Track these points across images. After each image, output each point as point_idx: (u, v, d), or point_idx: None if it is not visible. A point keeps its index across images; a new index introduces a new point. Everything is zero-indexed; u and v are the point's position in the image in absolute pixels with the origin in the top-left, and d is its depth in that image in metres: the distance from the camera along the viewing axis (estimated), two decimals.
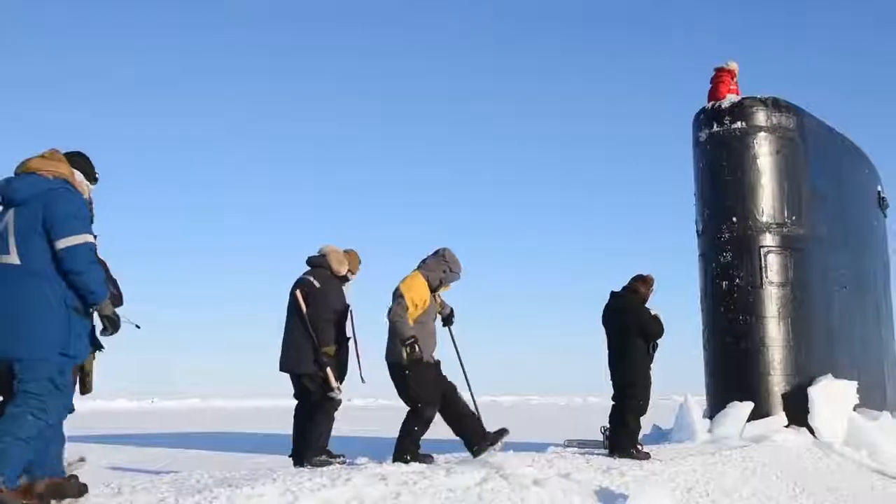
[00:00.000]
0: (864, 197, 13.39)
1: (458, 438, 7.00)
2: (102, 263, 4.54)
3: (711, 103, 11.39)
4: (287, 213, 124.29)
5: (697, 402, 10.42)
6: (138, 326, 4.67)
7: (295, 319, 7.14)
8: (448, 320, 7.37)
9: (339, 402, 7.06)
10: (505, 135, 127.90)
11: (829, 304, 11.40)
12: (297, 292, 7.15)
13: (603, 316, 8.28)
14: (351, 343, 7.26)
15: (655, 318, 8.04)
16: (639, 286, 8.23)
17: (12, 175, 4.46)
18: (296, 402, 7.28)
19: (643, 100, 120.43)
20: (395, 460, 6.60)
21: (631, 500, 5.63)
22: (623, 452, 7.70)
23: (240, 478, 5.44)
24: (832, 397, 10.25)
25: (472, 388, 7.49)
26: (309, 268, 7.40)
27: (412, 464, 6.33)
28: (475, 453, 6.81)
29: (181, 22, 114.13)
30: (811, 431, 10.01)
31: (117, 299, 4.61)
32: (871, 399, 11.14)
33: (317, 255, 7.40)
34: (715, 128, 11.17)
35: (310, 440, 6.93)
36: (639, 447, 7.88)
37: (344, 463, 6.85)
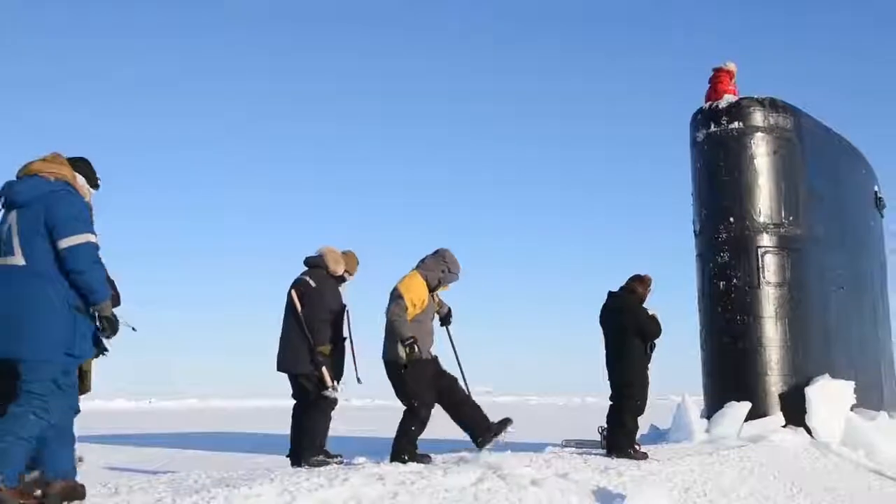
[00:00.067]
0: (861, 197, 13.40)
1: (456, 438, 7.02)
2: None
3: (709, 103, 11.40)
4: (287, 213, 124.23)
5: (695, 402, 10.41)
6: (134, 329, 4.68)
7: (291, 320, 7.16)
8: (446, 320, 7.39)
9: (335, 401, 7.07)
10: (505, 135, 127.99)
11: (827, 304, 11.42)
12: (293, 292, 7.17)
13: (600, 316, 8.29)
14: (347, 343, 7.27)
15: (653, 318, 8.05)
16: (636, 286, 8.24)
17: (14, 178, 4.50)
18: (294, 402, 7.29)
19: (643, 100, 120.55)
20: (392, 460, 6.62)
21: (629, 499, 5.64)
22: (621, 452, 7.71)
23: (237, 478, 5.45)
24: (829, 397, 10.25)
25: (469, 388, 7.48)
26: (306, 268, 7.42)
27: (410, 464, 6.34)
28: (479, 444, 6.84)
29: (181, 22, 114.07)
30: (808, 431, 10.02)
31: (115, 300, 4.63)
32: (868, 399, 11.16)
33: (314, 255, 7.42)
34: (712, 128, 11.18)
35: (306, 440, 6.94)
36: (636, 447, 7.88)
37: (341, 463, 6.86)
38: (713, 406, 10.47)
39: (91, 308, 4.36)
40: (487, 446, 6.77)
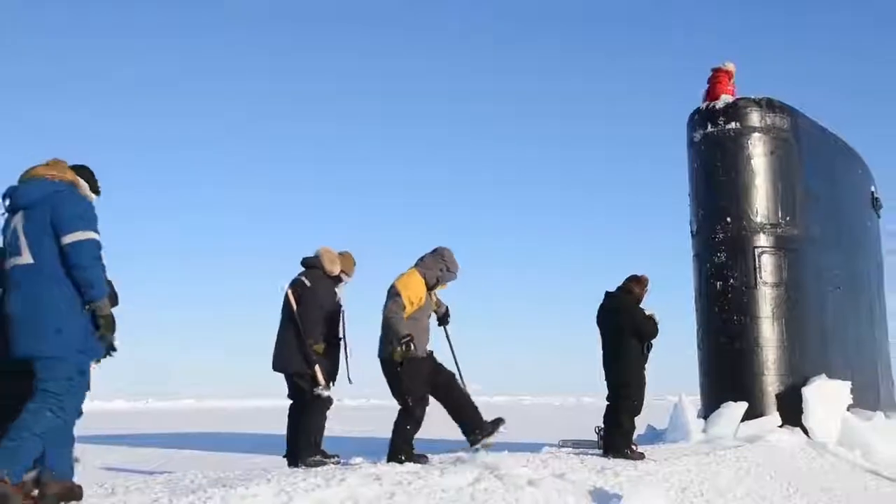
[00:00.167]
0: (857, 197, 13.43)
1: (453, 438, 7.01)
2: None
3: (706, 104, 11.41)
4: (287, 213, 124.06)
5: (692, 402, 10.43)
6: (115, 349, 4.62)
7: (287, 320, 7.17)
8: (444, 320, 7.38)
9: (330, 400, 7.07)
10: (505, 135, 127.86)
11: (823, 304, 11.44)
12: (290, 292, 7.18)
13: (597, 316, 8.29)
14: (341, 344, 7.27)
15: (650, 319, 8.05)
16: (633, 286, 8.24)
17: (16, 183, 4.53)
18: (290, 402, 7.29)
19: (643, 100, 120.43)
20: (389, 460, 6.61)
21: (625, 500, 5.64)
22: (617, 452, 7.71)
23: (234, 478, 5.45)
24: (826, 397, 10.26)
25: (466, 388, 7.48)
26: (304, 269, 7.43)
27: (407, 464, 6.34)
28: (471, 442, 6.84)
29: (181, 22, 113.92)
30: (805, 431, 10.03)
31: (112, 300, 4.63)
32: (864, 399, 11.17)
33: (311, 256, 7.44)
34: (709, 128, 11.19)
35: (302, 439, 6.94)
36: (633, 447, 7.88)
37: (338, 463, 6.86)
38: (710, 406, 10.48)
39: (88, 305, 4.37)
40: (479, 445, 6.76)
